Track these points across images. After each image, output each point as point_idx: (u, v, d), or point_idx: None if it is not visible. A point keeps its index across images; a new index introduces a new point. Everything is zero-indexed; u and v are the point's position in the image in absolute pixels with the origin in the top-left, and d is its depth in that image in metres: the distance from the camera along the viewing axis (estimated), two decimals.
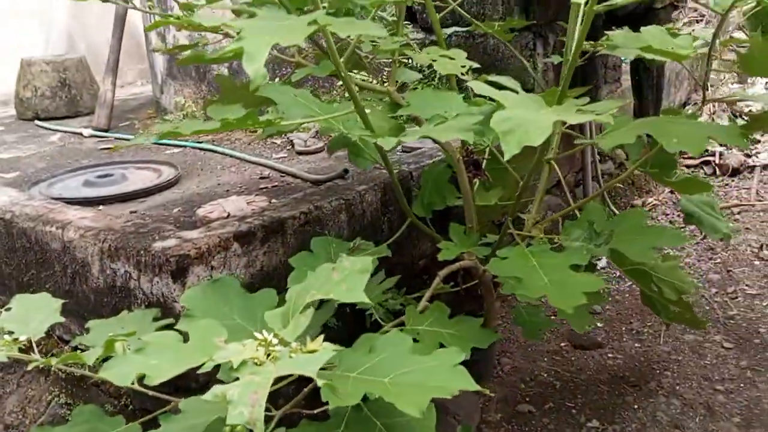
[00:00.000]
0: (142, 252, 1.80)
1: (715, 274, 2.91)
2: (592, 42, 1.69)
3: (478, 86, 1.30)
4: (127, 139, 3.50)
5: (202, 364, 1.05)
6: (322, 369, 1.11)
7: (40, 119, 4.03)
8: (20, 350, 1.48)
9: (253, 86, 0.95)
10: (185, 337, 1.21)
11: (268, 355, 1.04)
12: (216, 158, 2.99)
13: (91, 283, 1.95)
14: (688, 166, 4.00)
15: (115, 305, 1.90)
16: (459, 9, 2.20)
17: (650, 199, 3.59)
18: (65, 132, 3.74)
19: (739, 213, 3.45)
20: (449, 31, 2.71)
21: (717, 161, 3.93)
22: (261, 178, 2.63)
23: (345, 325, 2.02)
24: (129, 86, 5.39)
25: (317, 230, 2.04)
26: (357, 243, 1.75)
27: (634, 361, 2.39)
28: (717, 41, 1.61)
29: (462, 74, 1.79)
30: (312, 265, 1.63)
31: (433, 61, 1.82)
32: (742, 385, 2.23)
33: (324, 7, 1.29)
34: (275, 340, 1.07)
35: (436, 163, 2.17)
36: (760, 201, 3.47)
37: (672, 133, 1.35)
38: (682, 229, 3.22)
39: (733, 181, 3.86)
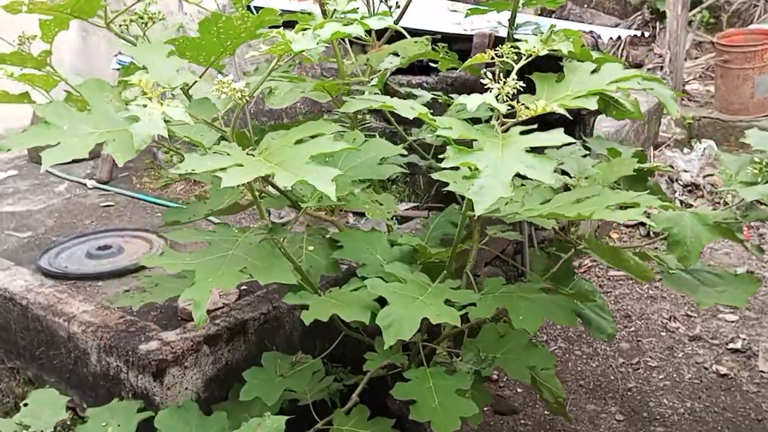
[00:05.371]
0: (130, 352, 2.28)
1: (626, 343, 3.39)
2: None
3: (372, 284, 1.77)
4: (125, 194, 4.00)
5: None
6: None
7: None
8: None
9: (197, 325, 1.43)
10: None
11: None
12: (203, 223, 3.46)
13: (90, 368, 2.43)
14: (627, 226, 4.46)
15: (109, 389, 2.39)
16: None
17: (586, 261, 4.06)
18: (72, 181, 4.21)
19: (659, 280, 3.92)
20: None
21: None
22: None
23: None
24: None
25: (275, 327, 2.52)
26: (298, 357, 2.22)
27: (540, 427, 2.88)
28: None
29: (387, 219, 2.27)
30: (262, 379, 2.14)
31: (366, 206, 2.29)
32: None
33: None
34: None
35: None
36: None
37: (519, 310, 1.83)
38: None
39: (663, 244, 4.31)
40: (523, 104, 1.60)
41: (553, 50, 1.73)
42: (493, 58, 1.73)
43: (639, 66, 6.30)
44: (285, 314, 2.55)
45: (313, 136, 1.53)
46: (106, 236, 3.35)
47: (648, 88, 1.75)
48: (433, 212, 3.35)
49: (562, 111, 1.55)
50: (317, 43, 1.49)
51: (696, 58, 6.68)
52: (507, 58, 1.70)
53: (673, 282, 2.20)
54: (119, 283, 2.93)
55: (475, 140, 1.49)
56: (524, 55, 1.71)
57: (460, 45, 3.35)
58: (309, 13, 2.54)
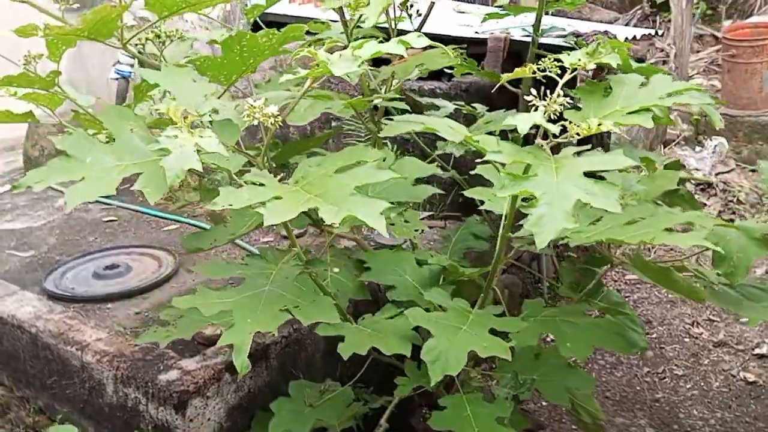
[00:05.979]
0: (149, 383, 2.18)
1: (649, 351, 3.31)
2: None
3: (412, 315, 1.67)
4: (128, 208, 3.88)
5: None
6: None
7: None
8: None
9: (240, 373, 1.33)
10: None
11: None
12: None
13: (106, 399, 2.33)
14: None
15: (126, 420, 2.28)
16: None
17: None
18: None
19: None
20: None
21: None
22: None
23: None
24: None
25: (296, 350, 2.42)
26: (326, 385, 2.12)
27: None
28: None
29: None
30: (290, 410, 2.04)
31: (392, 224, 2.19)
32: None
33: None
34: None
35: None
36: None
37: (567, 337, 1.74)
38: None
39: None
40: (572, 122, 1.50)
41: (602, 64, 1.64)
42: (534, 72, 1.64)
43: (641, 61, 6.21)
44: (306, 336, 2.45)
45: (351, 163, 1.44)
46: (112, 254, 3.24)
47: (704, 103, 1.65)
48: (449, 221, 3.27)
49: (616, 130, 1.46)
50: (359, 65, 1.39)
51: (698, 51, 6.61)
52: (550, 72, 1.61)
53: (717, 297, 2.11)
54: (129, 304, 2.82)
55: (528, 164, 1.40)
56: (569, 68, 1.62)
57: (473, 49, 3.25)
58: (323, 22, 2.44)
